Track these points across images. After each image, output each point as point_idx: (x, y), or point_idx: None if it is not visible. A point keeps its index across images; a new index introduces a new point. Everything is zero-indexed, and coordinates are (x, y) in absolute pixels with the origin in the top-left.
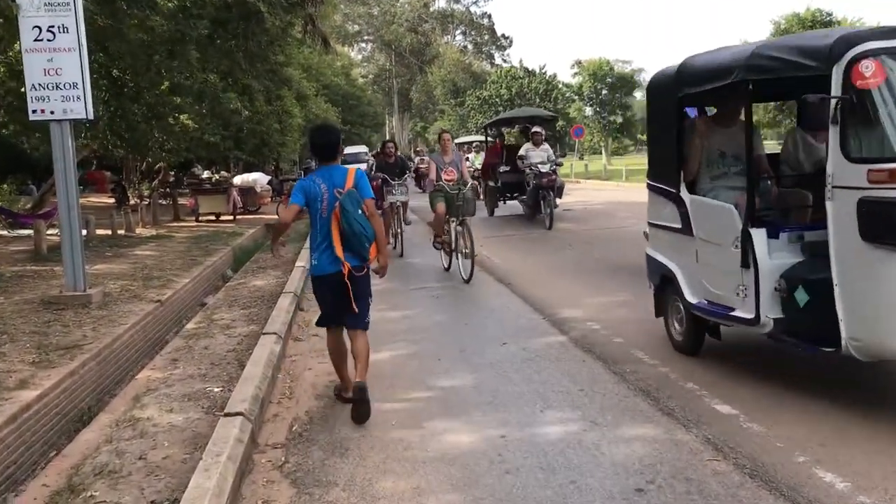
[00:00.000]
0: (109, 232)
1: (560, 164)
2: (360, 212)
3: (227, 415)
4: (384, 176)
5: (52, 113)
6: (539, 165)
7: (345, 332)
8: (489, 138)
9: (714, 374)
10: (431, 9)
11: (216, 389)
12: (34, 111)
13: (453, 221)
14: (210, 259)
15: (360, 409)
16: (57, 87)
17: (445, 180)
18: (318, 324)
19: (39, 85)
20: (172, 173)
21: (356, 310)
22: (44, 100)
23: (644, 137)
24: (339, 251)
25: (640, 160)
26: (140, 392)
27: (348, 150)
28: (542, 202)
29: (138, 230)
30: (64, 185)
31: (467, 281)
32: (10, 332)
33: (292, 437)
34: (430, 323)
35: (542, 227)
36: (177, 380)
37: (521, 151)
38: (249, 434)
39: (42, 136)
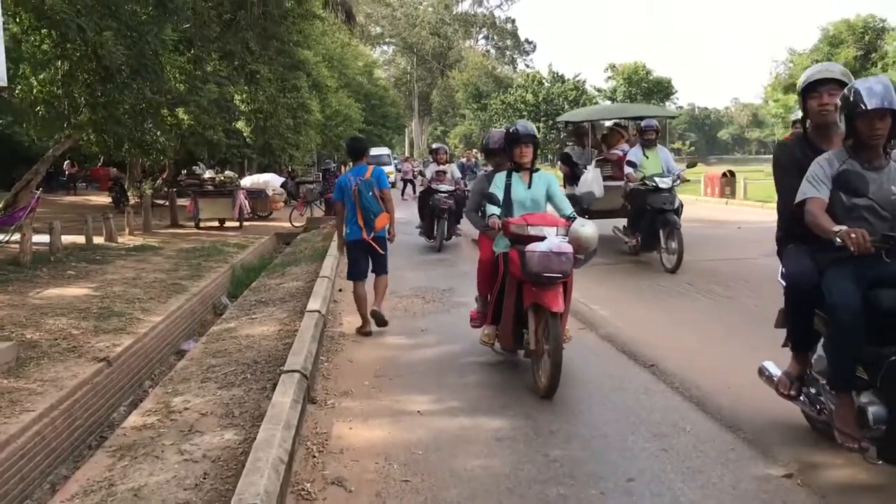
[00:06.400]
0: (84, 240)
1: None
2: (370, 194)
3: None
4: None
5: None
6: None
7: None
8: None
9: None
10: (454, 11)
11: None
12: None
13: None
14: (199, 284)
15: (377, 320)
16: None
17: None
18: (349, 278)
19: None
20: (184, 172)
21: (376, 259)
22: None
23: (679, 146)
24: (361, 222)
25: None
26: None
27: (372, 151)
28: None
29: (123, 238)
30: None
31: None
32: None
33: None
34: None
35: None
36: None
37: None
38: None
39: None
